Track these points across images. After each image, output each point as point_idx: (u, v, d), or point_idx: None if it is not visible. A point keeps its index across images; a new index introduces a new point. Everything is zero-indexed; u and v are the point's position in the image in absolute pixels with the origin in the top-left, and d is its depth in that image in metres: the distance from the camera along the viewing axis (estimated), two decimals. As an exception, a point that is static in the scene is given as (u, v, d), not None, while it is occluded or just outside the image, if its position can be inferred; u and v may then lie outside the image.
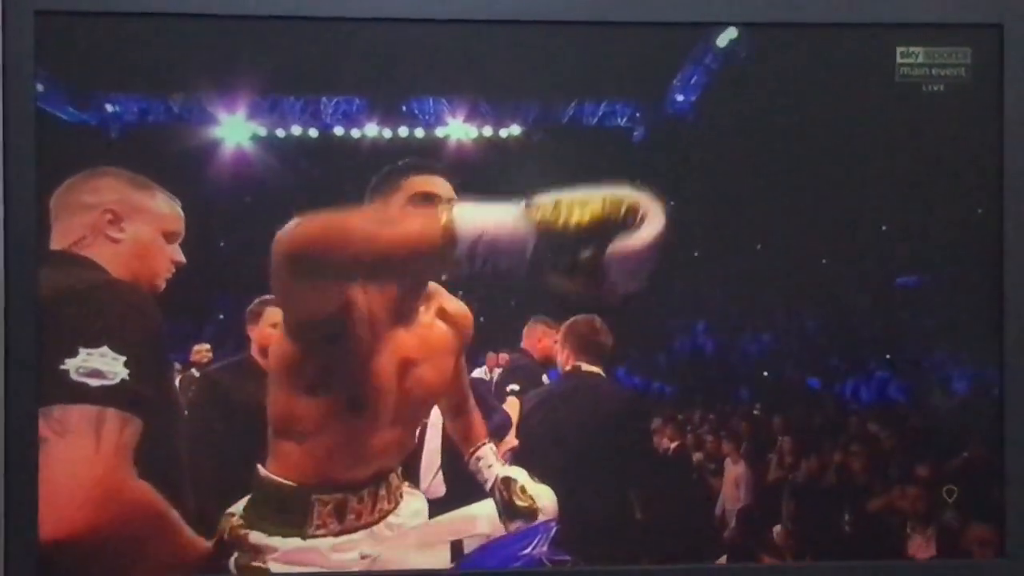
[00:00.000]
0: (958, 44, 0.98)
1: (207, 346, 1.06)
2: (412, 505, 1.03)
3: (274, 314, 1.00)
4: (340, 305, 0.93)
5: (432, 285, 1.00)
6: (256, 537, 0.97)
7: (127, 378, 0.93)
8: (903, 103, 0.99)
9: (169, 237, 1.00)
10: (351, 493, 0.98)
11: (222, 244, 1.02)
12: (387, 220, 0.89)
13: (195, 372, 1.06)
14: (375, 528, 1.00)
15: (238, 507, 0.98)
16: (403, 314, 0.98)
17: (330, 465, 0.97)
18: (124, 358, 0.94)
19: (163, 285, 1.00)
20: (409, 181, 0.95)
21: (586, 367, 1.08)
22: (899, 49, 0.98)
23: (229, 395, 1.05)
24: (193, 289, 1.01)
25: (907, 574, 1.03)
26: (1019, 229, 0.98)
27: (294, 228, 0.86)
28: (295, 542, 0.97)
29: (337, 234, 0.84)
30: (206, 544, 0.97)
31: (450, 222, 0.78)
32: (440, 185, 0.95)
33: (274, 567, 0.96)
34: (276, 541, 0.97)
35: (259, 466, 0.99)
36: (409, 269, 0.89)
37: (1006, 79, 0.97)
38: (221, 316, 1.05)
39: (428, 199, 0.94)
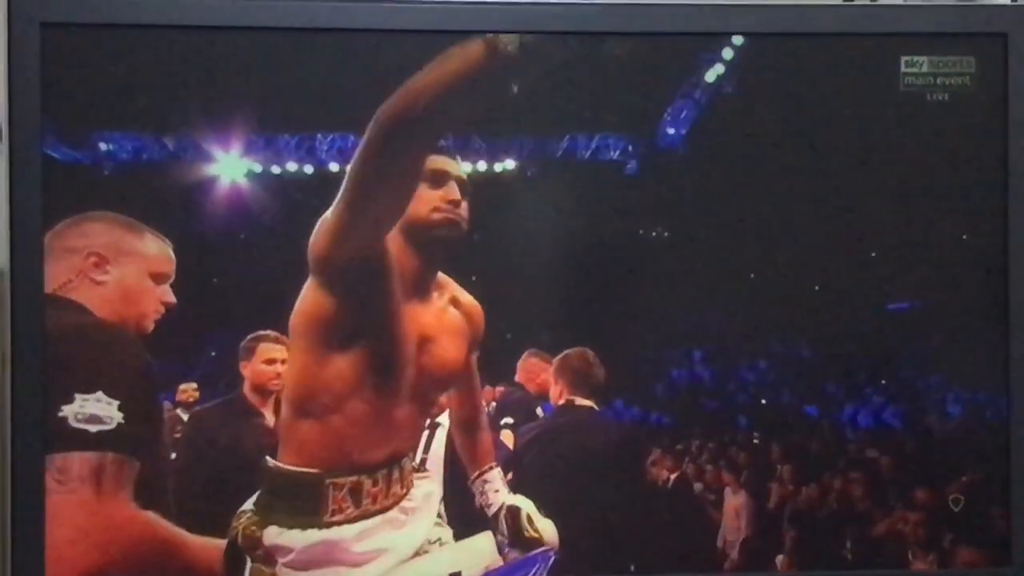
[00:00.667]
0: (962, 53, 0.99)
1: (193, 385, 1.05)
2: (424, 488, 1.03)
3: (269, 350, 1.01)
4: (378, 252, 0.95)
5: (443, 276, 1.01)
6: (271, 534, 0.96)
7: (123, 421, 0.94)
8: (907, 112, 1.00)
9: (157, 278, 1.00)
10: (366, 475, 0.98)
11: (215, 280, 1.02)
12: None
13: (180, 412, 1.05)
14: (390, 513, 0.99)
15: (248, 504, 0.98)
16: (420, 287, 0.99)
17: (347, 445, 0.97)
18: (118, 402, 0.95)
19: (151, 326, 1.00)
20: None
21: (580, 401, 1.08)
22: (903, 59, 0.99)
23: (218, 434, 1.04)
24: (186, 328, 1.01)
25: None
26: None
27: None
28: (313, 534, 0.96)
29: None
30: (219, 553, 0.96)
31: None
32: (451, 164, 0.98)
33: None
34: (294, 535, 0.96)
35: (267, 458, 0.99)
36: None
37: (1010, 88, 0.99)
38: (213, 354, 1.04)
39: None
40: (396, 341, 0.98)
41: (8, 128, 0.96)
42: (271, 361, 1.03)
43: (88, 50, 0.96)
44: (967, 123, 1.00)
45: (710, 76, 0.99)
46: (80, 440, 0.94)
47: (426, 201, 0.97)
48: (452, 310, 1.02)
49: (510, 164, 1.00)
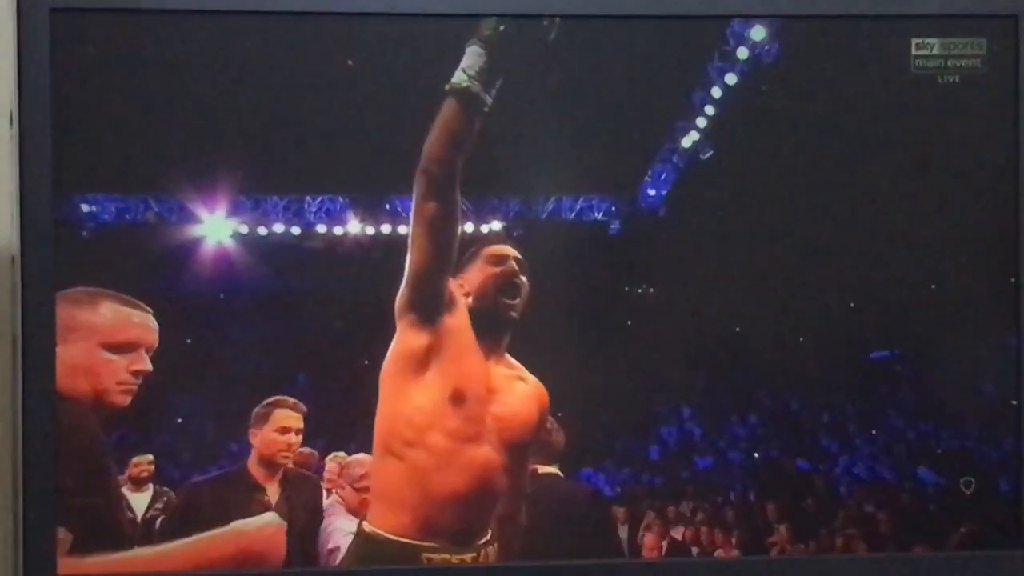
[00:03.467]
0: (973, 35, 1.01)
1: (149, 457, 0.99)
2: None
3: (285, 417, 0.99)
4: (447, 295, 1.00)
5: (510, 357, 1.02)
6: None
7: None
8: (919, 96, 1.02)
9: (116, 348, 0.97)
10: (457, 554, 0.98)
11: (189, 342, 0.99)
12: None
13: (166, 488, 0.99)
14: None
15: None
16: (488, 353, 1.01)
17: (433, 490, 0.98)
18: None
19: (123, 399, 0.97)
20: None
21: (542, 469, 1.05)
22: (914, 41, 1.02)
23: (210, 512, 0.98)
24: (162, 397, 0.98)
25: (925, 566, 1.01)
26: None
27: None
28: None
29: None
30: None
31: None
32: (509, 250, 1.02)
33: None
34: None
35: (363, 522, 0.98)
36: None
37: (1021, 70, 1.01)
38: (179, 420, 0.99)
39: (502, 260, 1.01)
40: (466, 377, 1.00)
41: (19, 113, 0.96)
42: (285, 430, 1.00)
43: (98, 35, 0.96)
44: (978, 106, 1.02)
45: (686, 142, 1.04)
46: None
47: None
48: (521, 383, 1.02)
49: (496, 225, 1.02)
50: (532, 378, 1.02)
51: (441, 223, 0.98)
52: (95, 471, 0.96)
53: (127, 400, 0.97)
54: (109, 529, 0.96)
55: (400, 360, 0.99)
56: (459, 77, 0.98)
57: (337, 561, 0.99)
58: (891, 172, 1.03)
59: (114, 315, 0.97)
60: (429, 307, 0.99)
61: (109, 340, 0.97)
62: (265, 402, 0.99)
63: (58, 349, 0.95)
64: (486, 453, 1.00)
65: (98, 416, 0.96)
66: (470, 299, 1.01)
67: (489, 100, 0.98)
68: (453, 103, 0.98)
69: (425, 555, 0.99)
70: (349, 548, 1.00)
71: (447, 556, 0.99)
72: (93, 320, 0.97)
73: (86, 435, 0.95)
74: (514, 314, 1.01)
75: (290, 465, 1.01)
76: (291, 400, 0.99)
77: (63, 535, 0.94)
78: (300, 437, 1.00)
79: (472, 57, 0.98)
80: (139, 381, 0.97)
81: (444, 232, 0.98)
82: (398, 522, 0.99)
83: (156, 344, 0.98)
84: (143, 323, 0.98)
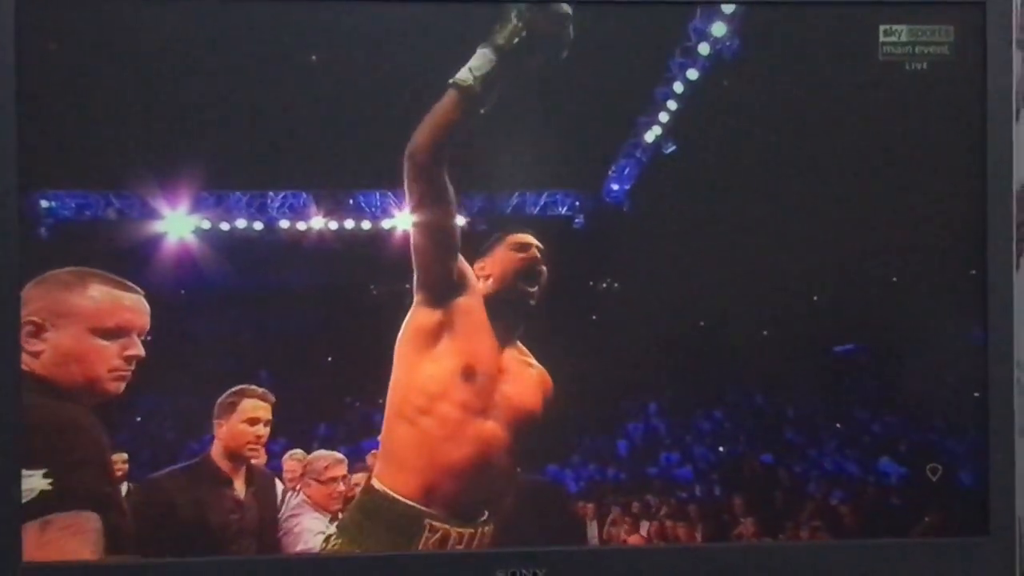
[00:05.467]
0: (941, 22, 1.02)
1: (124, 456, 0.98)
2: None
3: (253, 408, 0.97)
4: (458, 271, 1.01)
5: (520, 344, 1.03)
6: None
7: (51, 487, 0.92)
8: (886, 82, 1.02)
9: (101, 333, 0.95)
10: (457, 527, 0.99)
11: (149, 339, 0.98)
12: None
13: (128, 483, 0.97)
14: None
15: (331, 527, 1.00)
16: (502, 336, 1.03)
17: (440, 458, 1.00)
18: (44, 470, 0.93)
19: (117, 387, 0.95)
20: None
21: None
22: (882, 27, 1.02)
23: (176, 506, 0.96)
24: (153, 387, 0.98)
25: (892, 552, 1.01)
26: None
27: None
28: None
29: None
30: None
31: None
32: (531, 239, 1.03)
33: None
34: None
35: (372, 480, 1.00)
36: None
37: (989, 57, 1.01)
38: (138, 419, 0.98)
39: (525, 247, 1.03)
40: (479, 356, 1.01)
41: None
42: (254, 421, 0.98)
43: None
44: (946, 93, 1.02)
45: (649, 137, 1.04)
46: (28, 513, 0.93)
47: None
48: (529, 369, 1.03)
49: (461, 220, 1.02)
50: (539, 366, 1.02)
51: (431, 206, 0.99)
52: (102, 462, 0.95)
53: (120, 387, 0.95)
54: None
55: (414, 332, 1.01)
56: (464, 75, 0.99)
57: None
58: (854, 163, 1.03)
59: (104, 297, 0.95)
60: (437, 288, 1.00)
61: (98, 325, 0.95)
62: (230, 391, 0.98)
63: (47, 335, 0.94)
64: (492, 428, 1.02)
65: (90, 404, 0.94)
66: (490, 281, 1.02)
67: (486, 103, 0.99)
68: (454, 96, 0.99)
69: (427, 520, 1.00)
70: (354, 502, 1.01)
71: (447, 526, 1.00)
72: (82, 305, 0.95)
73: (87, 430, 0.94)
74: (532, 301, 1.02)
75: (257, 458, 0.99)
76: (259, 389, 0.98)
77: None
78: (268, 429, 0.99)
79: (481, 59, 0.99)
80: (132, 367, 0.95)
81: (436, 214, 1.00)
82: (404, 483, 1.00)
83: (148, 327, 0.96)
84: (135, 306, 0.96)
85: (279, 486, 1.01)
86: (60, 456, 0.94)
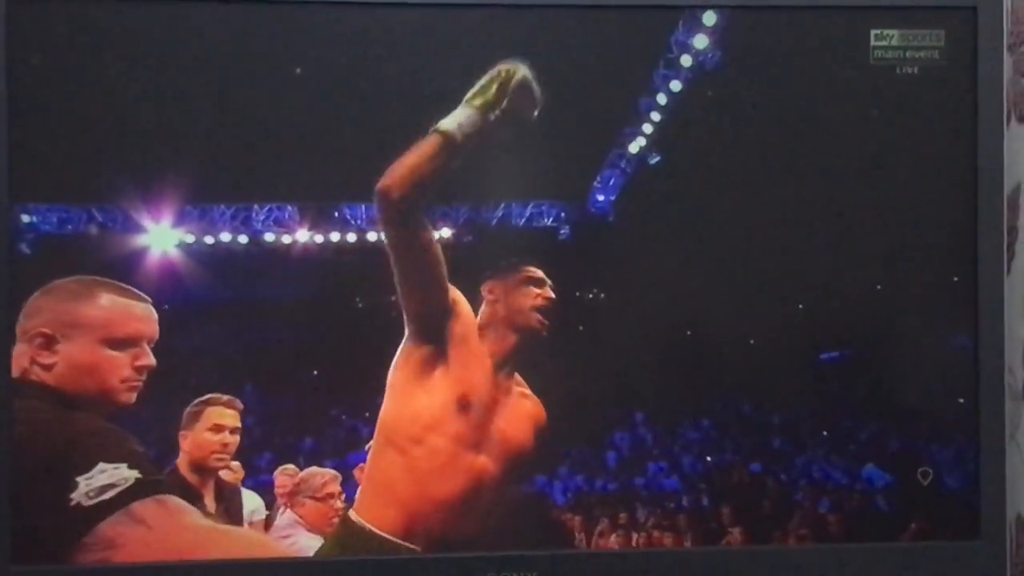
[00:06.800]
0: (932, 27, 1.01)
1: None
2: None
3: (218, 415, 0.96)
4: (448, 304, 1.00)
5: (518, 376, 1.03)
6: None
7: (140, 475, 0.91)
8: (877, 87, 1.02)
9: (112, 343, 0.94)
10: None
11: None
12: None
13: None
14: None
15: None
16: (498, 363, 1.02)
17: (426, 489, 0.98)
18: (125, 463, 0.91)
19: (129, 397, 0.94)
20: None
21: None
22: (873, 32, 1.01)
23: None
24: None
25: (883, 556, 1.01)
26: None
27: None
28: None
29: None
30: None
31: None
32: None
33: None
34: None
35: (350, 512, 0.97)
36: None
37: (980, 61, 1.01)
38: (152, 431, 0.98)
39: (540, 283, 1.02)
40: (473, 387, 1.00)
41: None
42: (218, 428, 0.96)
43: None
44: (937, 98, 1.02)
45: (634, 148, 1.04)
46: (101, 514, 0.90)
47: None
48: (525, 401, 1.02)
49: (446, 232, 1.01)
50: (534, 397, 1.02)
51: (408, 250, 0.98)
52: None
53: (132, 398, 0.94)
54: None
55: (407, 359, 1.00)
56: (449, 124, 0.98)
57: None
58: (844, 168, 1.03)
59: (114, 307, 0.94)
60: (427, 319, 0.99)
61: (109, 336, 0.94)
62: (196, 401, 0.97)
63: (59, 347, 0.93)
64: (483, 463, 1.00)
65: (105, 415, 0.93)
66: (496, 306, 1.01)
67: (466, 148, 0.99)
68: (437, 141, 0.98)
69: (404, 557, 0.98)
70: (331, 533, 0.99)
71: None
72: (93, 314, 0.94)
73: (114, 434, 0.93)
74: (545, 333, 1.01)
75: (224, 468, 0.97)
76: (224, 397, 0.96)
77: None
78: (236, 437, 0.97)
79: (469, 116, 0.98)
80: (143, 377, 0.95)
81: (415, 256, 0.98)
82: (384, 517, 0.98)
83: (157, 335, 0.95)
84: (145, 315, 0.95)
85: (261, 502, 1.00)
86: (115, 451, 0.92)
